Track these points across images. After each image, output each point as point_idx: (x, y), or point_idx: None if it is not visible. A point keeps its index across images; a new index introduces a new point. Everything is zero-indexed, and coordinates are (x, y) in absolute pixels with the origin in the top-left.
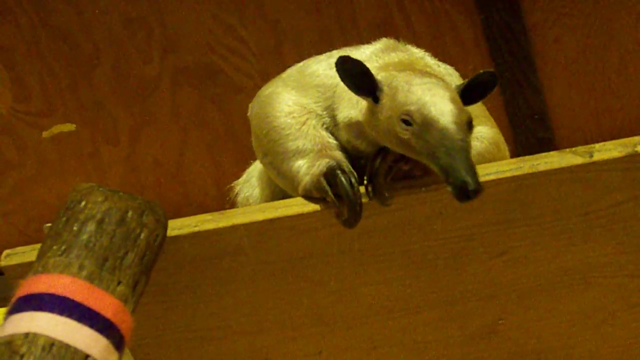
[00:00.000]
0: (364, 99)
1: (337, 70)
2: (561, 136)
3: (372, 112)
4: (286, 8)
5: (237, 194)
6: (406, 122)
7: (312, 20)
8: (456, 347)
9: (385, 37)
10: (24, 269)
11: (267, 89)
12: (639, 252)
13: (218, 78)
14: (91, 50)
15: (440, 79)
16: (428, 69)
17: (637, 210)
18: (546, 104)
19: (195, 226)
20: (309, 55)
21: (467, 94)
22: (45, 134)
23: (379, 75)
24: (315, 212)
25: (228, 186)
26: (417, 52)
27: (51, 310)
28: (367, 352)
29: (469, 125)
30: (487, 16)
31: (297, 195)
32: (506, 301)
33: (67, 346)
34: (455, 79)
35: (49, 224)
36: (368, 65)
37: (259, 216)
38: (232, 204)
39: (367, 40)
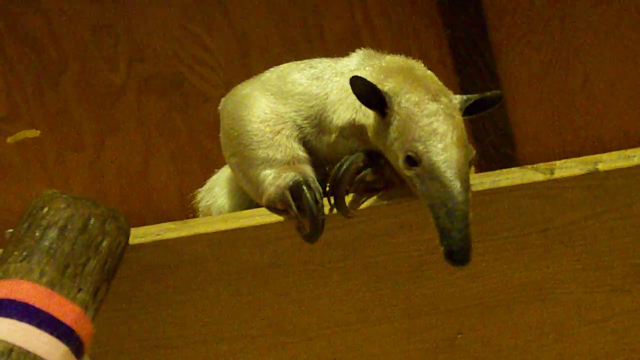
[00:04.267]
0: (372, 110)
1: (352, 86)
2: (524, 153)
3: (379, 123)
4: (253, 19)
5: (199, 201)
6: (412, 161)
7: (279, 31)
8: None
9: (351, 50)
10: None
11: (244, 89)
12: (598, 269)
13: (184, 87)
14: (57, 56)
15: (447, 98)
16: (428, 75)
17: (596, 227)
18: (510, 120)
19: (158, 235)
20: (275, 65)
21: (468, 108)
22: (9, 139)
23: (385, 86)
24: (277, 224)
25: (191, 194)
26: (397, 57)
27: (11, 315)
28: None
29: (470, 163)
30: (452, 32)
31: (260, 202)
32: (466, 315)
33: (27, 352)
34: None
35: (11, 230)
36: (362, 73)
37: (222, 226)
38: (194, 212)
39: (332, 53)
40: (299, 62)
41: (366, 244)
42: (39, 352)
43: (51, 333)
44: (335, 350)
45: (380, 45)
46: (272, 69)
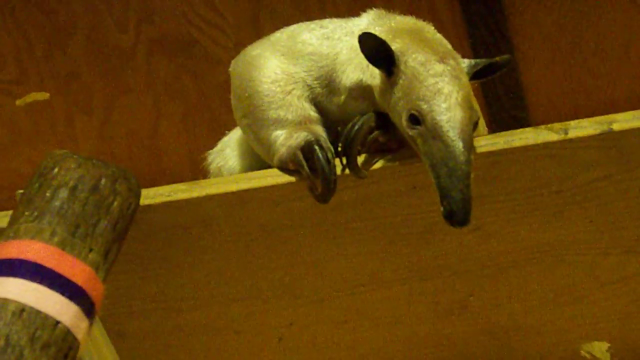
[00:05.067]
0: (379, 69)
1: (360, 43)
2: (536, 115)
3: (384, 83)
4: None
5: (210, 163)
6: (415, 120)
7: None
8: (427, 323)
9: (362, 10)
10: None
11: (255, 50)
12: (612, 230)
13: (194, 49)
14: (67, 19)
15: (454, 60)
16: (437, 38)
17: (610, 188)
18: (521, 82)
19: (169, 195)
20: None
21: (476, 72)
22: (18, 102)
23: (393, 45)
24: (289, 184)
25: (201, 156)
26: (408, 18)
27: (22, 276)
28: (338, 326)
29: (475, 125)
30: None
31: (271, 163)
32: (478, 277)
33: (38, 312)
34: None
35: (22, 191)
36: (372, 30)
37: (233, 186)
38: (205, 174)
39: (343, 13)
40: (309, 22)
41: (378, 205)
42: (51, 312)
43: (62, 293)
44: (346, 312)
45: (391, 5)
46: (282, 30)
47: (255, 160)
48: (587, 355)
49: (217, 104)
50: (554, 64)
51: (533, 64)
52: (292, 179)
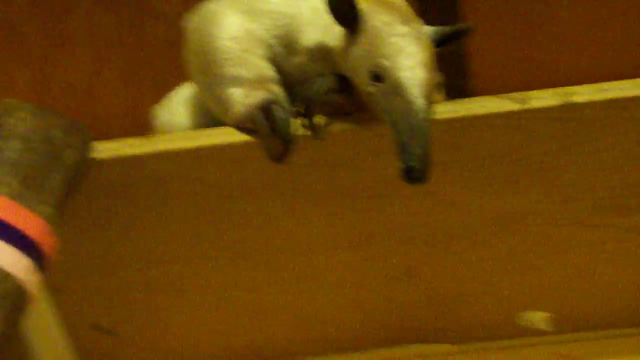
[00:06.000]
0: (343, 27)
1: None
2: (478, 85)
3: (347, 42)
4: None
5: (155, 118)
6: (376, 77)
7: None
8: (374, 288)
9: None
10: None
11: (212, 5)
12: (567, 202)
13: (137, 2)
14: None
15: (418, 25)
16: (402, 4)
17: (566, 160)
18: (464, 50)
19: (118, 150)
20: None
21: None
22: None
23: (360, 5)
24: (244, 143)
25: (144, 110)
26: None
27: None
28: (285, 289)
29: (437, 88)
30: None
31: (226, 120)
32: (427, 244)
33: None
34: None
35: None
36: None
37: (187, 143)
38: (146, 129)
39: None
40: None
41: (333, 169)
42: (3, 264)
43: (14, 245)
44: (293, 275)
45: None
46: None
47: (206, 117)
48: (527, 324)
49: (160, 60)
50: (503, 33)
51: (480, 31)
52: (247, 138)
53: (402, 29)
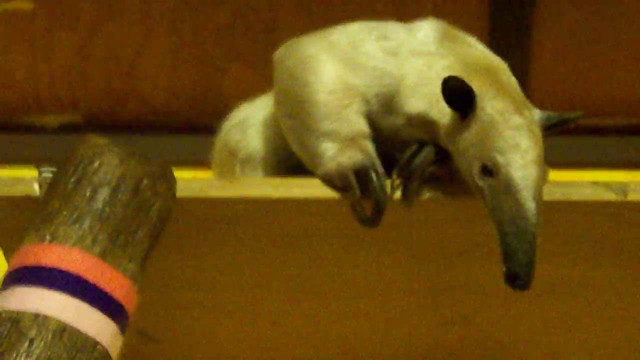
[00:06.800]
0: (455, 111)
1: (443, 85)
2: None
3: (455, 124)
4: None
5: (224, 134)
6: (488, 171)
7: None
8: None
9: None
10: None
11: (309, 48)
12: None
13: None
14: None
15: (530, 111)
16: (512, 82)
17: None
18: (529, 71)
19: (200, 191)
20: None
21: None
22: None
23: (472, 85)
24: (330, 200)
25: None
26: (476, 44)
27: (62, 289)
28: (340, 323)
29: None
30: None
31: (313, 170)
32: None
33: (78, 332)
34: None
35: (48, 169)
36: (445, 63)
37: (270, 192)
38: (185, 112)
39: None
40: (370, 25)
41: (414, 229)
42: (90, 332)
43: (102, 311)
44: (351, 311)
45: None
46: (340, 29)
47: (282, 147)
48: None
49: (211, 44)
50: (568, 56)
51: (548, 56)
52: (334, 194)
53: (517, 120)
